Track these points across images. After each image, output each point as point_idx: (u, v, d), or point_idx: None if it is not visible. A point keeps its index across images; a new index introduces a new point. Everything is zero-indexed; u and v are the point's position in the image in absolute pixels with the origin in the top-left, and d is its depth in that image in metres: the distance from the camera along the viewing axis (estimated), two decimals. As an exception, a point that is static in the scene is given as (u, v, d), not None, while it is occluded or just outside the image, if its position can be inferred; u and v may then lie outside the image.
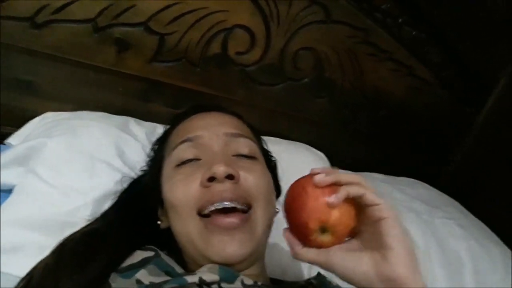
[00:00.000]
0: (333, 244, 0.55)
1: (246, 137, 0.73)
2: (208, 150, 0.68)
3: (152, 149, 0.83)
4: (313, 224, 0.53)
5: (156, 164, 0.76)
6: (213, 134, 0.69)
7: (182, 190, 0.65)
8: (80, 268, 0.60)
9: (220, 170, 0.62)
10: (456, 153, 1.52)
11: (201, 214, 0.63)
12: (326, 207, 0.52)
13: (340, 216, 0.53)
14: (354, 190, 0.52)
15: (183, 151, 0.69)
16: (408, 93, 1.33)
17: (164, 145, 0.76)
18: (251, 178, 0.66)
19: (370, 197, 0.52)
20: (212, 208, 0.62)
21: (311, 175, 0.55)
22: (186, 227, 0.64)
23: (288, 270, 0.89)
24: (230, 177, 0.63)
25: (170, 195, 0.66)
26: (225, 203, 0.62)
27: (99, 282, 0.60)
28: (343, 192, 0.52)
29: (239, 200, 0.63)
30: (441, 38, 1.29)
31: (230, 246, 0.61)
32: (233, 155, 0.69)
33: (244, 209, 0.64)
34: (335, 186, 0.53)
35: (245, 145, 0.71)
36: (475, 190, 1.47)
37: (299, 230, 0.56)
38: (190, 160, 0.68)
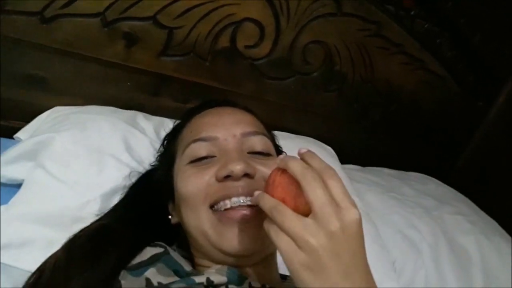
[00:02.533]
0: None
1: (262, 134, 0.72)
2: (223, 148, 0.67)
3: (163, 144, 0.83)
4: None
5: (167, 159, 0.75)
6: (228, 134, 0.68)
7: (195, 183, 0.64)
8: (91, 266, 0.61)
9: (237, 168, 0.61)
10: (467, 147, 1.51)
11: (214, 209, 0.63)
12: None
13: None
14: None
15: (197, 149, 0.67)
16: (419, 87, 1.32)
17: (176, 141, 0.75)
18: (268, 173, 0.65)
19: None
20: (228, 204, 0.61)
21: None
22: (199, 220, 0.63)
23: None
24: (246, 175, 0.62)
25: (182, 188, 0.66)
26: (241, 200, 0.61)
27: (110, 279, 0.60)
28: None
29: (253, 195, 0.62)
30: (454, 31, 1.27)
31: (244, 238, 0.60)
32: (248, 152, 0.68)
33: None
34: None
35: (261, 142, 0.70)
36: (485, 184, 1.46)
37: None
38: (204, 158, 0.67)
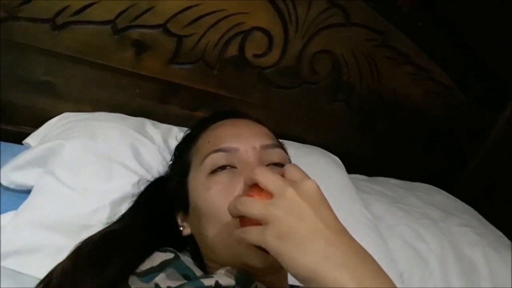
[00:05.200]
0: None
1: (279, 147, 0.72)
2: (244, 160, 0.66)
3: (175, 153, 0.82)
4: None
5: (181, 168, 0.74)
6: (249, 146, 0.68)
7: (223, 199, 0.62)
8: (97, 271, 0.60)
9: None
10: (474, 158, 1.50)
11: None
12: None
13: None
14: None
15: (217, 159, 0.67)
16: (426, 97, 1.32)
17: (191, 150, 0.74)
18: None
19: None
20: None
21: None
22: (226, 235, 0.61)
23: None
24: None
25: (207, 204, 0.64)
26: None
27: (117, 284, 0.60)
28: None
29: None
30: (461, 41, 1.27)
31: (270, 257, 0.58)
32: (267, 165, 0.68)
33: None
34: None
35: (279, 155, 0.70)
36: (492, 195, 1.45)
37: None
38: (224, 167, 0.66)
